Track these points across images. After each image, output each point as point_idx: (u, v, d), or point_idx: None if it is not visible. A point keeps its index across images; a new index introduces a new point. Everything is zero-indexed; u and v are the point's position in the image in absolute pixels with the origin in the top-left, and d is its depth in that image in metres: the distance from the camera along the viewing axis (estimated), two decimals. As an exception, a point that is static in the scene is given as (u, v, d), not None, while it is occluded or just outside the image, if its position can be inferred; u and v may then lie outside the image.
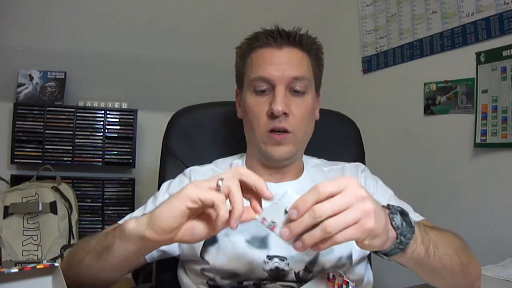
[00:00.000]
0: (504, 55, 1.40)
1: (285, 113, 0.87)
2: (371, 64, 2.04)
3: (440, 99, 1.65)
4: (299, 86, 0.89)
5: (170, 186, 0.96)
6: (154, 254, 0.86)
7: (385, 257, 0.62)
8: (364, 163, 1.14)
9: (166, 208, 0.57)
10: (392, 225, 0.59)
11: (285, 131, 0.88)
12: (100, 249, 0.68)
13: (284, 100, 0.86)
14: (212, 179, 0.56)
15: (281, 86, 0.87)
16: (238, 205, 0.54)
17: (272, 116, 0.87)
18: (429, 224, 0.88)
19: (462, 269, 0.70)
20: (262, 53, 0.91)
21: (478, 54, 1.48)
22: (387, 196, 0.94)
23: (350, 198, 0.53)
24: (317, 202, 0.53)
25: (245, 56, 0.94)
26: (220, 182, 0.55)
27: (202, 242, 0.86)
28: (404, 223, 0.60)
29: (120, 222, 0.89)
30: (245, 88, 0.93)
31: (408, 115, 1.80)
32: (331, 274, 0.71)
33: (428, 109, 1.70)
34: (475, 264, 0.75)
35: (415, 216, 0.90)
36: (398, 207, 0.62)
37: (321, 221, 0.52)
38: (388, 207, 0.62)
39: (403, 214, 0.61)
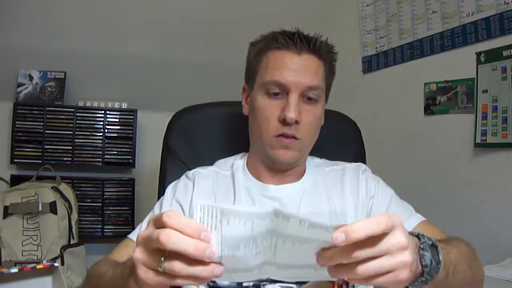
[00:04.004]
0: (504, 55, 1.40)
1: (296, 121, 0.87)
2: (371, 64, 2.04)
3: (440, 99, 1.65)
4: (312, 94, 0.88)
5: (176, 192, 0.95)
6: None
7: None
8: (364, 163, 1.14)
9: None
10: (421, 262, 0.54)
11: (293, 137, 0.88)
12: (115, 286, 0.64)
13: (297, 108, 0.86)
14: (152, 254, 0.49)
15: (295, 93, 0.86)
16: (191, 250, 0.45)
17: (283, 122, 0.86)
18: (434, 228, 0.88)
19: (473, 280, 0.69)
20: (280, 56, 0.89)
21: (478, 54, 1.48)
22: (388, 197, 0.94)
23: (391, 246, 0.48)
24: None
25: (261, 54, 0.92)
26: (163, 264, 0.48)
27: None
28: (433, 262, 0.54)
29: (130, 236, 0.90)
30: (257, 87, 0.92)
31: (408, 115, 1.80)
32: None
33: (428, 109, 1.70)
34: (481, 270, 0.75)
35: (417, 218, 0.90)
36: (430, 239, 0.56)
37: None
38: (418, 237, 0.56)
39: (433, 246, 0.56)
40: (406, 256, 0.48)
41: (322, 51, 0.90)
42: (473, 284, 0.71)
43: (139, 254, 0.50)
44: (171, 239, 0.45)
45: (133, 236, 0.89)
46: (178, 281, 0.47)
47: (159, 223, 0.48)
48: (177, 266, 0.46)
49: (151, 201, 1.06)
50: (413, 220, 0.88)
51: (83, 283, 0.76)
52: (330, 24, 2.24)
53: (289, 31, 0.91)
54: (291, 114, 0.84)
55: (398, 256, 0.48)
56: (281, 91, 0.88)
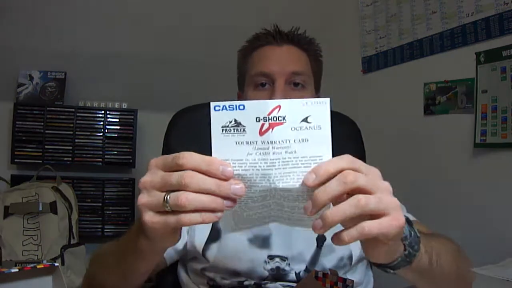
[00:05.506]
0: (504, 55, 1.40)
1: None
2: (371, 64, 2.04)
3: (440, 99, 1.66)
4: (298, 79, 0.91)
5: None
6: (173, 255, 0.88)
7: (391, 271, 0.56)
8: (365, 162, 1.14)
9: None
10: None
11: None
12: (123, 272, 0.64)
13: (284, 92, 0.87)
14: (158, 193, 0.46)
15: (280, 80, 0.89)
16: (203, 203, 0.44)
17: None
18: (422, 226, 0.88)
19: (459, 276, 0.68)
20: (263, 51, 0.93)
21: (478, 54, 1.49)
22: None
23: (381, 184, 0.45)
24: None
25: (247, 56, 0.96)
26: (167, 197, 0.45)
27: (205, 240, 0.86)
28: (412, 233, 0.54)
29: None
30: (246, 85, 0.94)
31: (408, 115, 1.81)
32: (320, 273, 0.70)
33: (428, 109, 1.70)
34: (471, 272, 0.72)
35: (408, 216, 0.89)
36: (405, 215, 0.56)
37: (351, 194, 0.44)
38: None
39: (409, 223, 0.55)
40: (395, 198, 0.46)
41: (302, 42, 0.94)
42: (460, 282, 0.69)
43: (144, 198, 0.47)
44: (194, 178, 0.43)
45: None
46: (186, 218, 0.44)
47: (170, 167, 0.45)
48: (183, 196, 0.43)
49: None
50: None
51: (88, 265, 0.75)
52: (330, 24, 2.24)
53: (269, 29, 0.96)
54: (277, 98, 0.86)
55: (388, 197, 0.45)
56: (268, 81, 0.90)
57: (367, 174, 0.46)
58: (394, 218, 0.45)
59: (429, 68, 1.72)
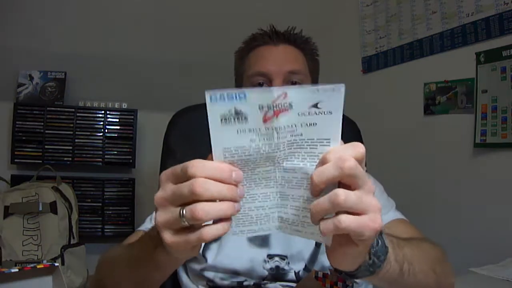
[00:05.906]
0: (504, 55, 1.40)
1: None
2: (371, 64, 2.04)
3: (440, 99, 1.66)
4: (296, 78, 0.91)
5: None
6: None
7: (352, 279, 0.52)
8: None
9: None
10: None
11: None
12: (136, 280, 0.62)
13: None
14: (172, 208, 0.44)
15: (278, 79, 0.89)
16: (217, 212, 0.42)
17: None
18: (411, 227, 0.87)
19: (437, 284, 0.66)
20: (260, 51, 0.93)
21: (478, 54, 1.49)
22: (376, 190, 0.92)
23: (364, 180, 0.43)
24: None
25: (244, 57, 0.97)
26: (183, 212, 0.42)
27: None
28: (379, 242, 0.51)
29: (141, 228, 0.89)
30: (244, 86, 0.94)
31: (408, 115, 1.81)
32: (320, 273, 0.70)
33: (428, 109, 1.70)
34: (449, 276, 0.71)
35: (393, 215, 0.88)
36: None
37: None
38: None
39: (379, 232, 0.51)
40: (376, 200, 0.44)
41: (298, 41, 0.94)
42: None
43: (160, 216, 0.45)
44: (206, 186, 0.41)
45: (144, 228, 0.88)
46: (208, 235, 0.42)
47: (180, 178, 0.43)
48: (199, 208, 0.41)
49: (151, 201, 1.05)
50: (388, 216, 0.86)
51: (95, 270, 0.74)
52: (330, 24, 2.24)
53: (265, 29, 0.96)
54: None
55: (369, 196, 0.43)
56: (265, 80, 0.90)
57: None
58: (372, 219, 0.42)
59: (429, 68, 1.72)
